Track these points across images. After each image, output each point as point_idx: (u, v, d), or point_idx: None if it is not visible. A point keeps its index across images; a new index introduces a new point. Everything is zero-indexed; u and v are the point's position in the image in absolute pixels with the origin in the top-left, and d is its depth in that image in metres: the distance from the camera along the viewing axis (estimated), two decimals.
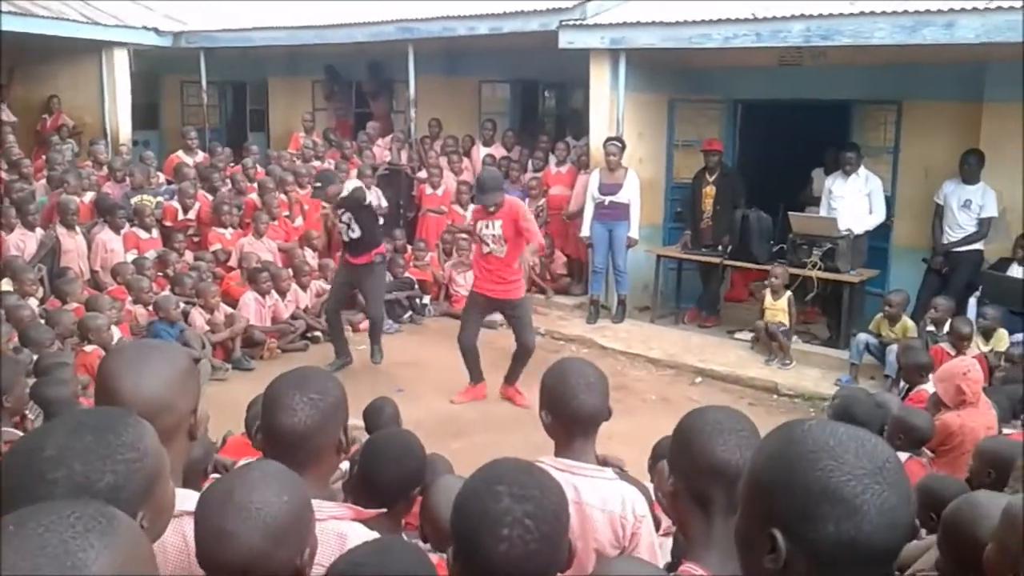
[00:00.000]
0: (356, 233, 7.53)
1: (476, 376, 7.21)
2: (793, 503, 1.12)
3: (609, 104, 9.21)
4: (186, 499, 1.65)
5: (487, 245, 6.74)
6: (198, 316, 8.05)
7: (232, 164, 11.04)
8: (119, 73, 11.77)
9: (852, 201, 8.28)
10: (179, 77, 14.90)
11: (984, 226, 7.80)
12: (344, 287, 8.04)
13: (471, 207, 10.42)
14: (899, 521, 1.10)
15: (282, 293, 8.76)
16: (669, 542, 2.67)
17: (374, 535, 1.75)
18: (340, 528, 1.81)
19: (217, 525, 1.48)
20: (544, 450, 2.93)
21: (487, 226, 6.71)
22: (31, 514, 0.99)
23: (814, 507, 1.11)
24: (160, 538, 1.49)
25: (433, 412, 6.78)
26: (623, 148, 8.90)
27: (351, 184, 7.91)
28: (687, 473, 1.71)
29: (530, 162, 10.59)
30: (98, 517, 1.01)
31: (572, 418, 2.41)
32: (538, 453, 3.00)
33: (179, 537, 1.67)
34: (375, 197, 10.34)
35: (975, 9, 6.75)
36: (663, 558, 2.48)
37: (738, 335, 8.78)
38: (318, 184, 7.87)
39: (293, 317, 8.83)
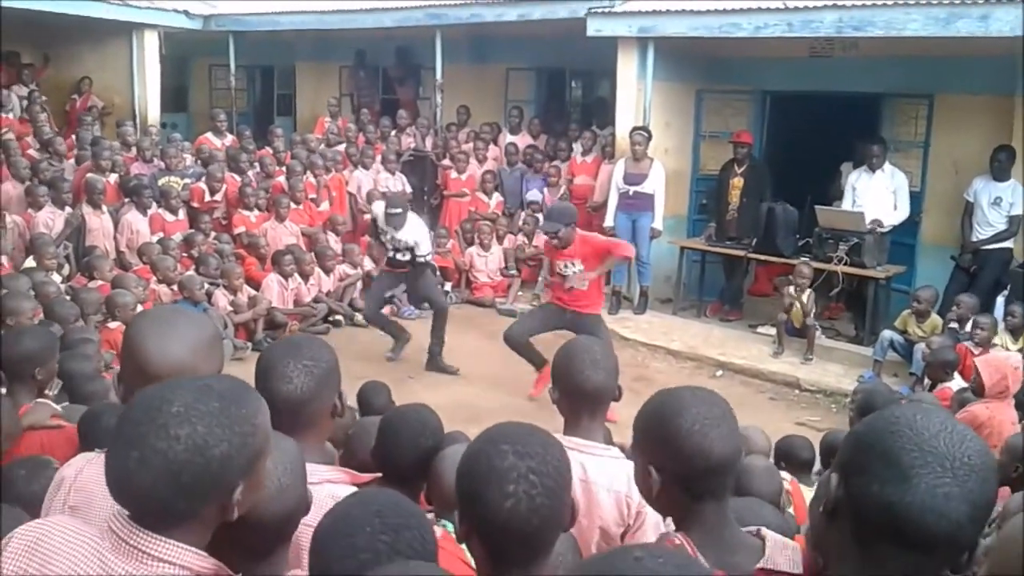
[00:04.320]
0: (405, 257, 7.56)
1: (539, 363, 6.85)
2: (855, 454, 1.18)
3: (636, 93, 9.15)
4: None
5: (568, 281, 6.51)
6: (221, 297, 8.11)
7: (257, 148, 11.08)
8: (149, 55, 11.83)
9: (877, 197, 8.18)
10: (208, 60, 14.96)
11: (1014, 224, 7.68)
12: (383, 293, 8.15)
13: (496, 197, 10.45)
14: (950, 513, 1.10)
15: (305, 276, 8.81)
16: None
17: None
18: (335, 491, 1.83)
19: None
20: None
21: (567, 266, 6.52)
22: None
23: (868, 462, 1.15)
24: None
25: (451, 397, 6.79)
26: (649, 138, 8.84)
27: (418, 227, 7.68)
28: (678, 474, 1.65)
29: (558, 151, 10.53)
30: None
31: (577, 394, 2.42)
32: None
33: None
34: (400, 183, 10.42)
35: (1011, 1, 6.63)
36: None
37: (760, 329, 8.71)
38: (397, 211, 7.40)
39: (315, 300, 8.88)
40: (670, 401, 1.69)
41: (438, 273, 9.73)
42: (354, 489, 1.88)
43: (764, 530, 1.63)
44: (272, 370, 1.90)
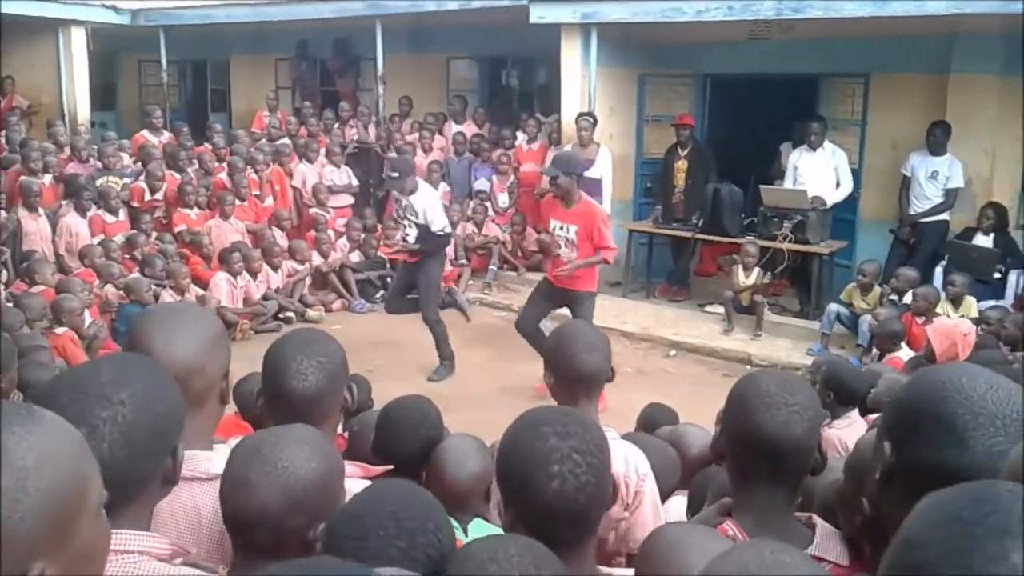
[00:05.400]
0: (414, 244, 7.01)
1: None
2: (904, 419, 1.20)
3: (580, 79, 9.21)
4: (213, 462, 1.65)
5: (559, 247, 6.39)
6: (168, 298, 7.93)
7: (193, 144, 10.85)
8: (76, 52, 11.50)
9: (818, 174, 8.38)
10: (137, 56, 14.61)
11: (950, 197, 7.96)
12: (404, 283, 7.49)
13: (443, 187, 10.40)
14: (1015, 470, 1.13)
15: (253, 274, 8.67)
16: (680, 501, 2.72)
17: None
18: (348, 486, 1.82)
19: (241, 474, 1.48)
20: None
21: (561, 227, 6.36)
22: None
23: (920, 427, 1.17)
24: (170, 501, 1.50)
25: (412, 390, 6.73)
26: (595, 124, 8.91)
27: (432, 202, 7.08)
28: (733, 439, 1.74)
29: (503, 140, 10.53)
30: (19, 410, 1.01)
31: (573, 377, 2.44)
32: (507, 425, 3.04)
33: (191, 504, 1.65)
34: (346, 176, 10.31)
35: None
36: (666, 517, 2.52)
37: (709, 308, 8.87)
38: (395, 174, 6.91)
39: (265, 298, 8.76)
40: (749, 376, 1.80)
41: (387, 266, 9.70)
42: (367, 483, 1.87)
43: (815, 517, 1.69)
44: (285, 368, 1.87)
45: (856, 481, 1.67)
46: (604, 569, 1.56)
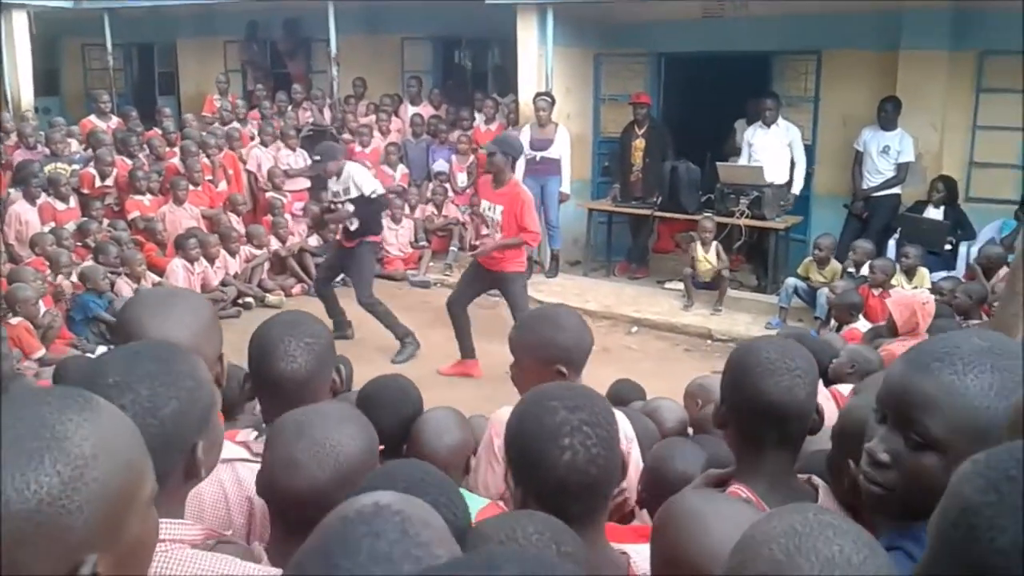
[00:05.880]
0: (354, 226, 7.11)
1: (467, 350, 6.78)
2: None
3: (537, 59, 9.19)
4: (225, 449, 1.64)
5: (486, 227, 6.51)
6: (125, 286, 7.79)
7: (143, 129, 10.63)
8: (19, 37, 11.14)
9: (772, 151, 8.50)
10: (80, 40, 14.21)
11: (902, 171, 8.13)
12: (333, 267, 7.59)
13: (400, 169, 10.34)
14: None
15: (211, 260, 8.55)
16: None
17: None
18: None
19: (288, 454, 1.50)
20: (492, 403, 2.98)
21: (490, 208, 6.44)
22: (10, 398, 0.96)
23: None
24: (196, 486, 1.47)
25: (378, 372, 6.72)
26: (553, 103, 8.92)
27: (356, 171, 7.30)
28: (738, 408, 1.77)
29: (460, 121, 10.49)
30: (75, 396, 0.98)
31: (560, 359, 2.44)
32: (489, 405, 3.06)
33: (216, 486, 1.65)
34: (301, 159, 10.19)
35: None
36: None
37: (668, 284, 8.97)
38: (317, 158, 7.29)
39: (223, 284, 8.65)
40: (748, 345, 1.84)
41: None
42: None
43: (815, 478, 1.74)
44: (273, 350, 1.87)
45: (844, 447, 1.72)
46: (617, 545, 1.57)
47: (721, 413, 1.83)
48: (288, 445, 1.51)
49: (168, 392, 1.28)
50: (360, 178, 7.12)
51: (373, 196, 7.14)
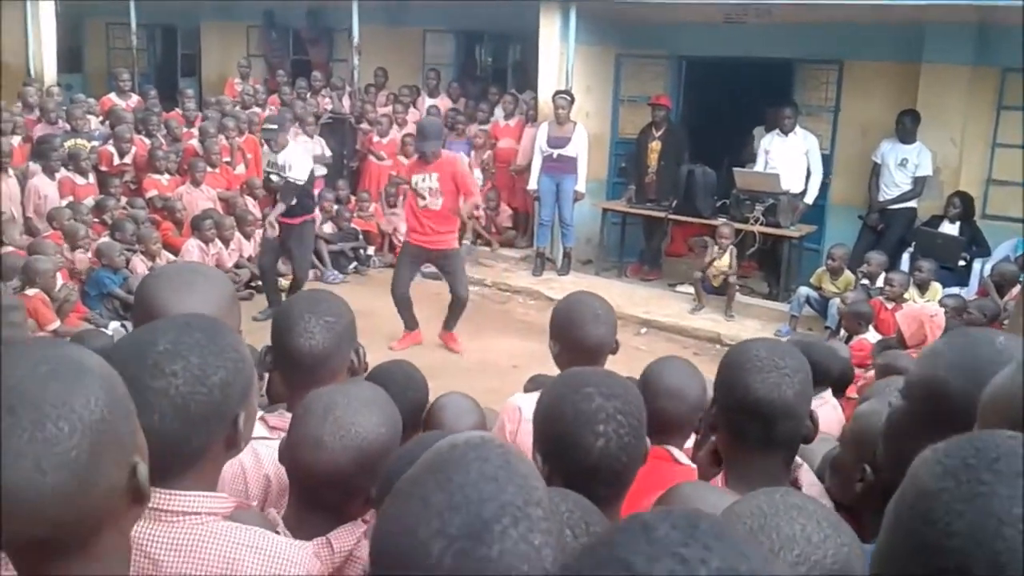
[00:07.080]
0: (292, 202, 7.46)
1: (411, 324, 7.29)
2: None
3: (558, 57, 9.21)
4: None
5: (423, 198, 6.75)
6: (140, 263, 7.84)
7: (162, 109, 10.69)
8: (44, 14, 11.25)
9: (789, 159, 8.48)
10: (104, 19, 14.31)
11: (919, 184, 8.10)
12: (275, 247, 7.80)
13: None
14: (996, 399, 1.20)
15: (226, 241, 8.60)
16: None
17: None
18: None
19: (314, 434, 1.54)
20: (490, 394, 3.01)
21: (423, 179, 6.72)
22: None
23: None
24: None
25: (381, 357, 6.77)
26: (572, 101, 8.93)
27: (298, 152, 7.64)
28: (727, 408, 1.76)
29: (477, 115, 10.51)
30: (75, 343, 1.08)
31: (578, 347, 2.47)
32: (482, 396, 3.08)
33: (235, 462, 1.67)
34: (319, 147, 10.23)
35: None
36: None
37: (679, 288, 8.97)
38: (272, 127, 7.55)
39: (237, 266, 8.69)
40: (740, 344, 1.82)
41: (360, 237, 9.66)
42: None
43: (801, 471, 1.74)
44: (293, 326, 1.89)
45: (856, 450, 1.73)
46: None
47: (711, 415, 1.81)
48: (316, 425, 1.54)
49: (216, 361, 1.30)
50: (294, 162, 7.37)
51: (294, 180, 7.35)
